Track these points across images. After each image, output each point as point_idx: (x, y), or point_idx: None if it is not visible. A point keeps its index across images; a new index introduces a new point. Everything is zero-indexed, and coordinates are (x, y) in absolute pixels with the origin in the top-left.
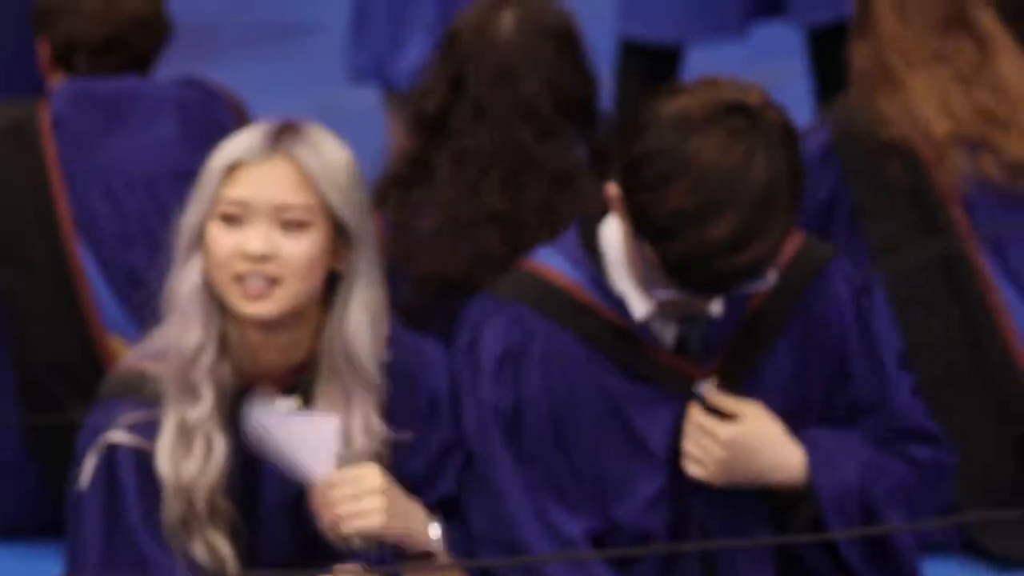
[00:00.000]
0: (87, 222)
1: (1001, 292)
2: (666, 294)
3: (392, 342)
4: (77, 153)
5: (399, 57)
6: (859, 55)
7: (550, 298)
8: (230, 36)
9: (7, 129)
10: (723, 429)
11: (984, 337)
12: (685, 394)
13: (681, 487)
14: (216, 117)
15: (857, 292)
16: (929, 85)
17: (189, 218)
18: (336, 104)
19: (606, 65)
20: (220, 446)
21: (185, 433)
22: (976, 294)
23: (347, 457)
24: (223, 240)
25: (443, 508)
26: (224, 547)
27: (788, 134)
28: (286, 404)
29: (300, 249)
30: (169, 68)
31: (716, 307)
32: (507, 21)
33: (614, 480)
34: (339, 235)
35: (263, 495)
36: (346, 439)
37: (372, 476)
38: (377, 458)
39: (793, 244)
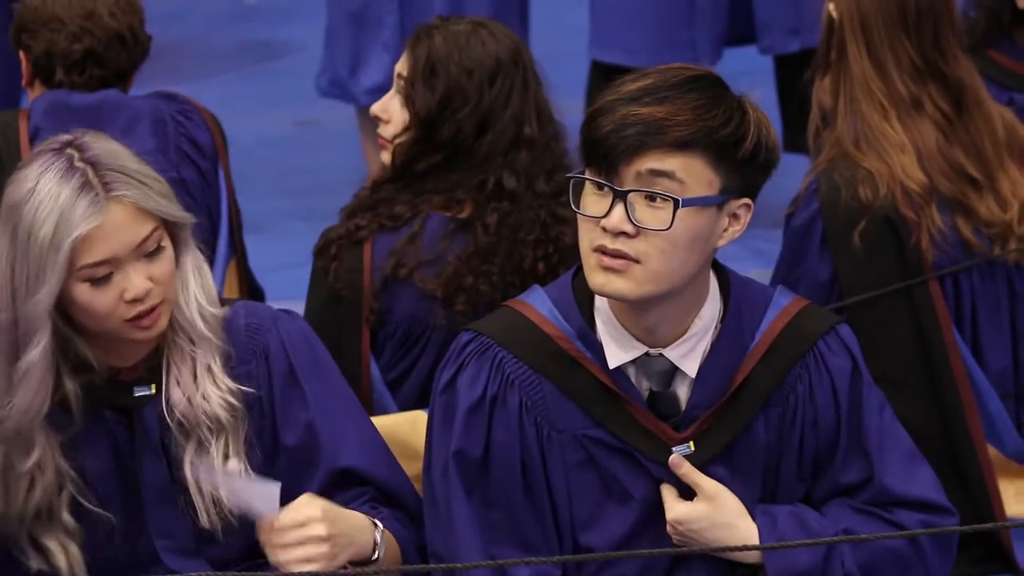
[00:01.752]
0: None
1: (971, 376)
2: (580, 175)
3: (238, 309)
4: None
5: (361, 77)
6: (823, 93)
7: (534, 345)
8: (211, 55)
9: None
10: (676, 508)
11: (952, 424)
12: (661, 457)
13: (655, 531)
14: (191, 131)
15: (852, 367)
16: (906, 134)
17: (33, 297)
18: (314, 121)
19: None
20: (50, 477)
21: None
22: (948, 379)
23: (200, 412)
24: (101, 298)
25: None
26: (61, 557)
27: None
28: (231, 466)
29: (166, 266)
30: (151, 86)
31: (691, 365)
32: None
33: (583, 517)
34: (169, 229)
35: (145, 478)
36: (203, 395)
37: (316, 524)
38: (231, 410)
39: (788, 314)
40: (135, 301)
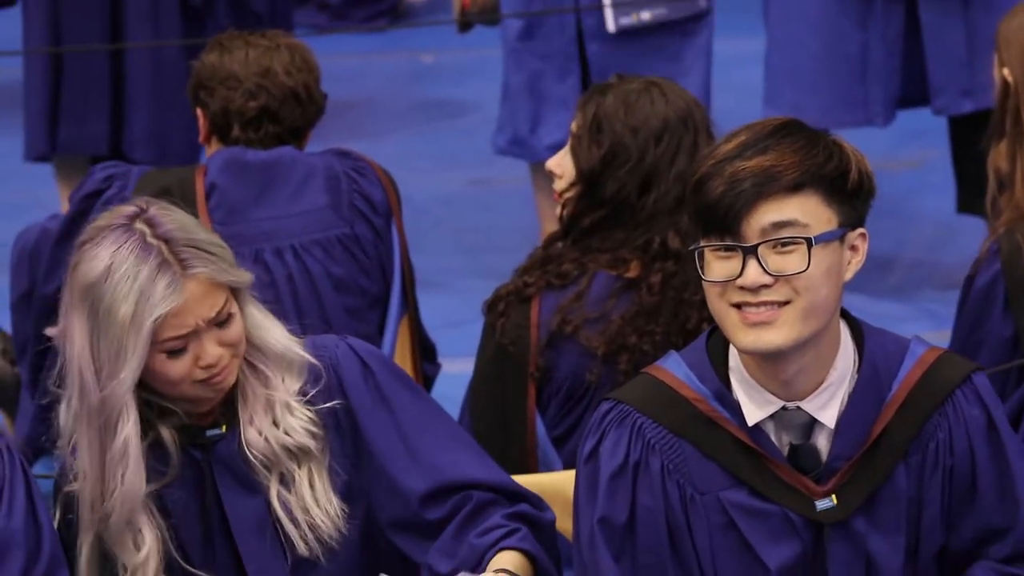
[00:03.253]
0: None
1: None
2: (700, 245)
3: (308, 345)
4: (229, 219)
5: (542, 134)
6: (999, 158)
7: (673, 409)
8: (389, 113)
9: (166, 194)
10: None
11: None
12: (806, 512)
13: None
14: (365, 188)
15: (987, 419)
16: None
17: (118, 376)
18: (488, 180)
19: None
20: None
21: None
22: None
23: (278, 446)
24: (177, 368)
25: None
26: None
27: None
28: None
29: (237, 331)
30: (329, 142)
31: (829, 416)
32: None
33: None
34: (235, 292)
35: (233, 515)
36: (284, 430)
37: None
38: (315, 437)
39: (925, 363)
40: (209, 367)
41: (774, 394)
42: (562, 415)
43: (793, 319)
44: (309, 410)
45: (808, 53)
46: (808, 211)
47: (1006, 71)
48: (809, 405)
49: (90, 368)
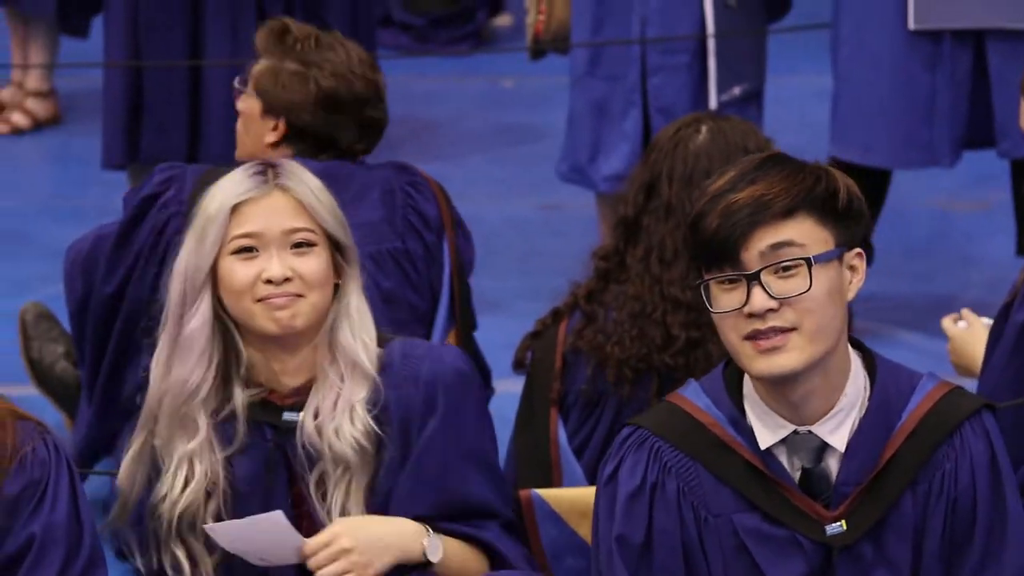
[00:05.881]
0: None
1: None
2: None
3: (395, 344)
4: None
5: (601, 164)
6: None
7: (689, 434)
8: (465, 136)
9: None
10: None
11: None
12: (816, 536)
13: None
14: (419, 203)
15: (991, 455)
16: None
17: (195, 263)
18: (559, 205)
19: None
20: (200, 472)
21: (152, 457)
22: None
23: (327, 445)
24: (242, 271)
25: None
26: (187, 566)
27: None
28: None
29: (312, 266)
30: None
31: (839, 440)
32: (701, 131)
33: None
34: (336, 252)
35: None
36: (335, 429)
37: (339, 539)
38: (359, 452)
39: (935, 395)
40: (270, 282)
41: (785, 418)
42: (578, 426)
43: (803, 343)
44: (370, 423)
45: (876, 94)
46: (804, 233)
47: None
48: (820, 429)
49: (181, 273)
